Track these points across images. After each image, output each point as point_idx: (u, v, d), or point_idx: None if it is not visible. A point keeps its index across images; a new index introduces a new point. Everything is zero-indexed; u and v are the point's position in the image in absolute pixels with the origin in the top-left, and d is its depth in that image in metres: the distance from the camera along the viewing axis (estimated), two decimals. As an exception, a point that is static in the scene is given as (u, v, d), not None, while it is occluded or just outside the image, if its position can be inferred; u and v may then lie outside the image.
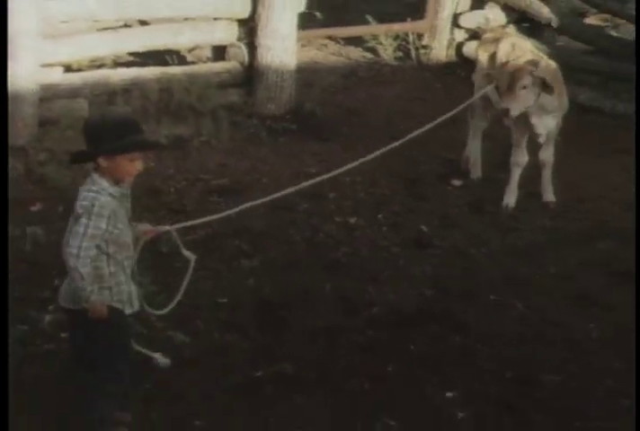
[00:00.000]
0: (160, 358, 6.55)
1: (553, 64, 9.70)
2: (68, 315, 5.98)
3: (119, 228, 5.70)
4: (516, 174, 9.54)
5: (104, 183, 5.68)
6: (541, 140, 9.48)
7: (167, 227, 6.46)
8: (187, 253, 6.40)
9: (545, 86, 9.19)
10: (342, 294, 7.93)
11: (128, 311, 5.90)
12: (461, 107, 9.68)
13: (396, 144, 8.72)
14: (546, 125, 9.42)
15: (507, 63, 9.56)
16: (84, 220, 5.56)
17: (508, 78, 9.16)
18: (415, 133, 8.90)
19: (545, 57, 9.79)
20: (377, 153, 8.45)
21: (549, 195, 9.71)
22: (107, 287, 5.75)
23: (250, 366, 6.93)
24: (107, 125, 5.75)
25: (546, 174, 9.68)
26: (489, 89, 9.52)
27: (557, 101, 9.46)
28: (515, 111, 9.13)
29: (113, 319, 5.79)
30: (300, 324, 7.24)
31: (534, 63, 9.18)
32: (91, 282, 5.62)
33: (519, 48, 9.77)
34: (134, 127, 5.81)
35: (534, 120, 9.32)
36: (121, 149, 5.69)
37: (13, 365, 6.54)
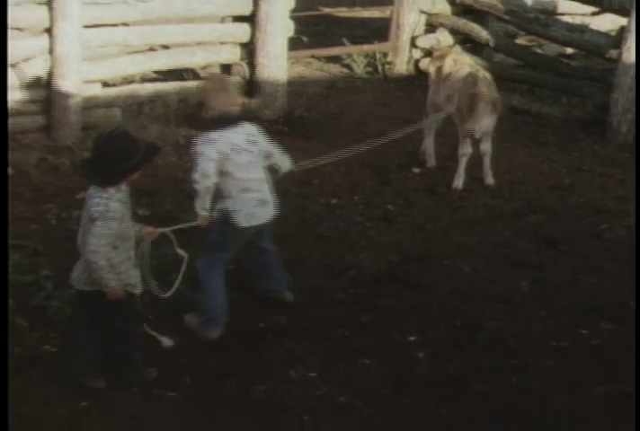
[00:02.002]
0: (165, 341, 6.43)
1: (488, 75, 9.71)
2: (81, 295, 5.92)
3: (123, 226, 5.66)
4: (463, 163, 9.52)
5: (111, 190, 5.60)
6: (477, 136, 9.46)
7: (164, 229, 6.41)
8: (180, 251, 6.37)
9: (495, 108, 9.35)
10: (325, 260, 7.92)
11: (137, 292, 5.89)
12: (426, 122, 9.79)
13: (365, 146, 8.84)
14: (487, 124, 9.42)
15: (450, 74, 9.60)
16: (99, 222, 5.52)
17: (467, 104, 9.21)
18: (391, 137, 9.02)
19: (481, 70, 9.78)
20: (357, 149, 8.63)
21: (489, 179, 9.69)
22: (117, 273, 5.68)
23: (253, 319, 6.94)
24: (132, 145, 5.65)
25: (487, 162, 9.66)
26: (450, 110, 9.52)
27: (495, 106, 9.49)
28: (478, 133, 9.34)
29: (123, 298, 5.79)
30: (293, 284, 7.22)
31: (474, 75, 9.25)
32: (107, 271, 5.60)
33: (459, 63, 9.79)
34: (139, 142, 5.75)
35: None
36: (149, 160, 5.76)
37: (65, 319, 6.56)
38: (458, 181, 9.53)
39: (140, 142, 5.74)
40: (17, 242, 7.64)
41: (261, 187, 6.65)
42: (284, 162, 6.87)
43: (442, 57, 9.97)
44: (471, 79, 9.44)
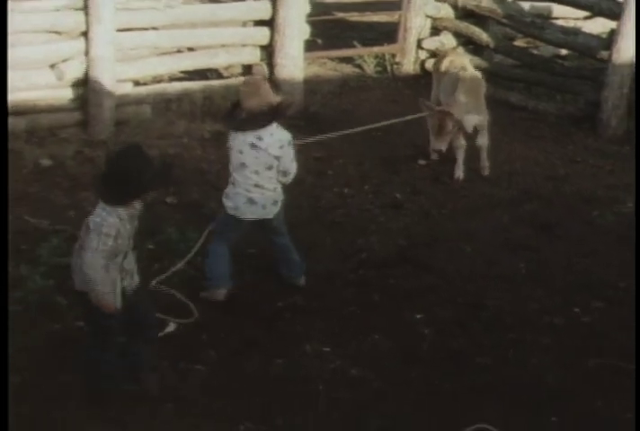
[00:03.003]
0: (171, 325, 6.36)
1: (477, 74, 9.70)
2: (82, 296, 5.38)
3: (118, 243, 5.16)
4: (461, 155, 9.43)
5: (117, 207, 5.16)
6: (469, 131, 9.37)
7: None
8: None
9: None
10: (338, 245, 7.88)
11: (118, 304, 5.32)
12: (406, 119, 9.59)
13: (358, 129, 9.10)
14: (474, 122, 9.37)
15: (445, 73, 9.59)
16: (94, 237, 5.08)
17: (437, 122, 9.13)
18: (380, 124, 9.22)
19: (470, 70, 9.72)
20: (346, 132, 8.94)
21: (486, 170, 9.60)
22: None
23: (273, 299, 6.93)
24: (144, 167, 5.14)
25: (483, 155, 9.58)
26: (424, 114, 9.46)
27: (478, 104, 9.38)
28: (444, 150, 9.23)
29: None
30: (308, 267, 7.19)
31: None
32: (101, 284, 5.16)
33: (454, 63, 9.73)
34: (152, 163, 5.24)
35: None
36: (161, 184, 5.34)
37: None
38: (459, 172, 9.46)
39: (154, 163, 5.24)
40: (55, 228, 7.63)
41: (252, 188, 6.55)
42: (286, 173, 6.60)
43: (443, 58, 9.96)
44: (454, 76, 9.39)
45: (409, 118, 9.63)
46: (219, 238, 6.82)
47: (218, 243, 6.81)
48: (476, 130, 9.45)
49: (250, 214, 6.64)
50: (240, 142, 6.48)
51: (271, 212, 6.68)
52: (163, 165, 5.32)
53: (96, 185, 5.28)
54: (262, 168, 6.50)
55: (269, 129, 6.46)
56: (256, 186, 6.55)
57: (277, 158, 6.49)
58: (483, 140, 9.52)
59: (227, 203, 6.65)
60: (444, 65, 9.75)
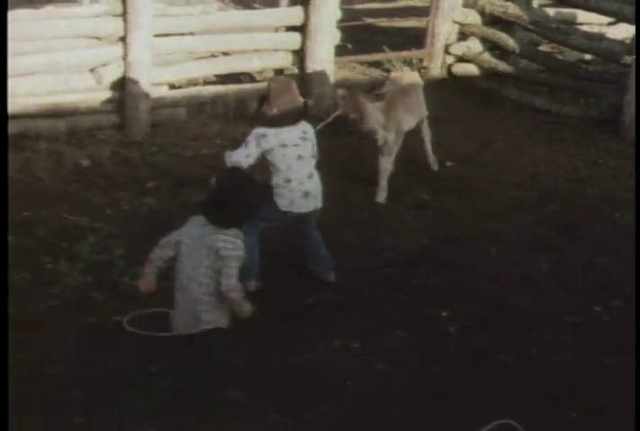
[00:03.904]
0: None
1: (416, 81, 9.79)
2: (185, 338, 5.44)
3: None
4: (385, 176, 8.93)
5: (234, 230, 5.20)
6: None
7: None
8: None
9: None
10: (365, 243, 7.88)
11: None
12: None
13: None
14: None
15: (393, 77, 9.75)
16: (234, 264, 5.11)
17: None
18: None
19: (412, 75, 10.06)
20: None
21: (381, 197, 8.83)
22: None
23: (303, 294, 6.95)
24: (252, 188, 5.27)
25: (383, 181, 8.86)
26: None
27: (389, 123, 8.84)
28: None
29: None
30: (338, 264, 7.19)
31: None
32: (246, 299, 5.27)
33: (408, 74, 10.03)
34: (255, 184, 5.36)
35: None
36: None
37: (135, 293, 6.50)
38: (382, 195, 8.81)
39: (255, 184, 5.33)
40: (94, 225, 7.69)
41: (306, 180, 6.68)
42: (315, 157, 6.87)
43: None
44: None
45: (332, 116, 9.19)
46: (249, 229, 6.62)
47: (248, 235, 6.70)
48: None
49: (304, 207, 6.72)
50: (291, 136, 6.61)
51: (320, 202, 6.82)
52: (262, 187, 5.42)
53: (208, 210, 5.19)
54: (311, 157, 6.73)
55: (302, 123, 6.70)
56: (309, 176, 6.70)
57: (314, 146, 6.78)
58: (384, 161, 8.88)
59: (281, 201, 6.62)
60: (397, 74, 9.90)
